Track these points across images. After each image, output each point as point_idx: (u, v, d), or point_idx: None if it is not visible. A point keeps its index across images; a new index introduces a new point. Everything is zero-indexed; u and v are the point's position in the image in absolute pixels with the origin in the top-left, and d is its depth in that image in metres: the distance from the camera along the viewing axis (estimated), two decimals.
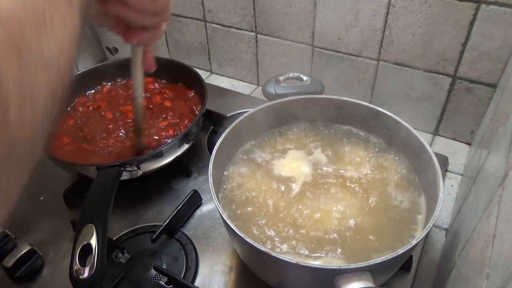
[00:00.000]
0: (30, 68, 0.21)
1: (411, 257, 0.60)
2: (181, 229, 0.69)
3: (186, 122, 0.79)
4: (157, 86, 0.89)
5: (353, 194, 0.59)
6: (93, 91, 0.89)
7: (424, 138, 0.58)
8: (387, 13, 0.76)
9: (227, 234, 0.63)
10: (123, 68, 0.91)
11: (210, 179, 0.55)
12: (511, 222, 0.30)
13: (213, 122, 0.88)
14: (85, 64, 1.10)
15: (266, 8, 0.89)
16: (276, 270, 0.52)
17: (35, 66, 0.21)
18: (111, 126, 0.79)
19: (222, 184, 0.62)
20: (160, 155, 0.70)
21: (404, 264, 0.58)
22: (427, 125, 0.87)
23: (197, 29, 1.03)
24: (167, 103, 0.82)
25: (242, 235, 0.47)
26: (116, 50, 1.05)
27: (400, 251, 0.45)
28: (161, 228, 0.65)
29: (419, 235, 0.47)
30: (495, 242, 0.33)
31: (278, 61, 0.97)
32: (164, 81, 0.91)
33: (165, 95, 0.85)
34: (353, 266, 0.44)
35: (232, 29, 0.98)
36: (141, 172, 0.69)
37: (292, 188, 0.61)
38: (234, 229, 0.48)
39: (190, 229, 0.69)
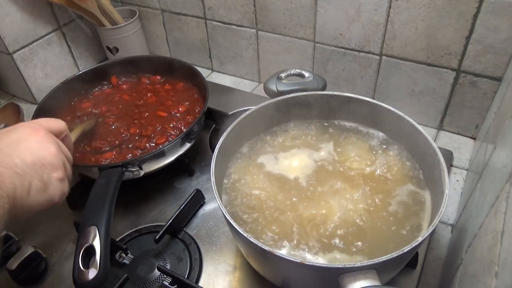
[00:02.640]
0: None
1: (417, 253, 0.59)
2: (184, 228, 0.68)
3: (188, 120, 0.78)
4: (158, 85, 0.89)
5: (358, 190, 0.59)
6: (94, 91, 0.89)
7: (428, 133, 0.57)
8: (389, 7, 0.75)
9: (231, 233, 0.62)
10: (124, 68, 0.91)
11: (213, 178, 0.54)
12: None
13: (215, 120, 0.88)
14: (86, 64, 1.10)
15: (266, 5, 0.88)
16: (280, 269, 0.52)
17: None
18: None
19: (225, 183, 0.62)
20: (162, 154, 0.70)
21: (410, 261, 0.58)
22: (431, 120, 0.86)
23: (198, 27, 1.02)
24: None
25: (245, 235, 0.47)
26: (116, 49, 1.05)
27: (406, 248, 0.44)
28: (164, 228, 0.64)
29: (425, 232, 0.46)
30: (504, 239, 0.32)
31: (279, 58, 0.96)
32: (164, 79, 0.90)
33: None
34: (358, 264, 0.43)
35: (232, 26, 0.97)
36: (143, 172, 0.68)
37: (295, 185, 0.60)
38: (237, 228, 0.48)
39: (193, 228, 0.69)
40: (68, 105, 0.85)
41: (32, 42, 0.96)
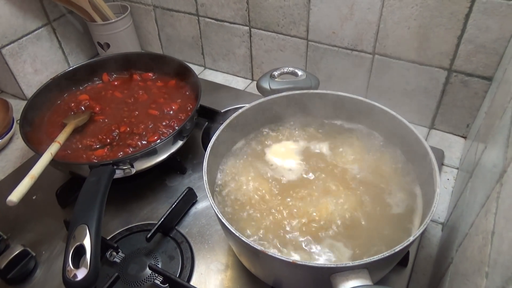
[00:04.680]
0: None
1: (407, 252, 0.60)
2: (176, 227, 0.68)
3: (180, 117, 0.78)
4: (151, 83, 0.88)
5: (349, 189, 0.59)
6: (84, 86, 0.88)
7: (420, 131, 0.58)
8: (382, 6, 0.75)
9: (223, 231, 0.62)
10: (116, 64, 0.90)
11: (205, 177, 0.54)
12: (511, 219, 0.30)
13: (208, 118, 0.88)
14: (76, 60, 1.09)
15: (259, 2, 0.88)
16: (272, 268, 0.52)
17: None
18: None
19: (217, 181, 0.61)
20: (154, 152, 0.69)
21: (401, 259, 0.58)
22: (423, 119, 0.86)
23: (190, 24, 1.01)
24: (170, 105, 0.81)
25: (237, 234, 0.47)
26: (107, 45, 1.04)
27: (397, 248, 0.44)
28: (156, 227, 0.64)
29: (417, 231, 0.46)
30: (494, 239, 0.33)
31: (272, 56, 0.96)
32: (156, 76, 0.89)
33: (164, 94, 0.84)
34: (350, 264, 0.43)
35: (225, 23, 0.96)
36: (134, 170, 0.68)
37: (288, 183, 0.60)
38: (230, 227, 0.47)
39: (185, 227, 0.68)
40: (58, 101, 0.84)
41: (22, 37, 0.94)
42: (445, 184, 0.76)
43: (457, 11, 0.69)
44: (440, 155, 0.80)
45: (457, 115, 0.82)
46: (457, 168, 0.79)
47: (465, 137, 0.84)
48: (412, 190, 0.58)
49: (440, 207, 0.72)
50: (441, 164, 0.79)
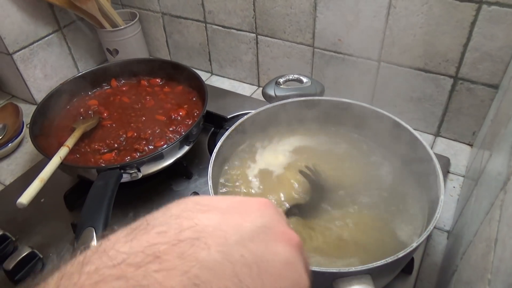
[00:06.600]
0: None
1: (412, 259, 0.59)
2: None
3: (187, 123, 0.79)
4: (159, 89, 0.89)
5: (354, 196, 0.59)
6: (93, 91, 0.89)
7: (425, 139, 0.58)
8: (388, 13, 0.75)
9: None
10: (124, 70, 0.91)
11: (210, 182, 0.55)
12: None
13: (214, 123, 0.88)
14: (85, 66, 1.10)
15: (266, 9, 0.89)
16: None
17: None
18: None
19: (222, 186, 0.62)
20: (160, 157, 0.70)
21: (405, 266, 0.58)
22: (429, 126, 0.86)
23: (198, 31, 1.03)
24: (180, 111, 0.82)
25: None
26: (116, 51, 1.05)
27: (401, 254, 0.44)
28: None
29: (420, 237, 0.46)
30: (497, 247, 0.33)
31: (278, 62, 0.96)
32: (163, 82, 0.91)
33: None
34: (353, 269, 0.43)
35: (232, 30, 0.97)
36: (141, 175, 0.68)
37: (293, 190, 0.61)
38: None
39: None
40: (67, 106, 0.85)
41: (33, 43, 0.96)
42: (451, 192, 0.75)
43: (462, 19, 0.69)
44: (446, 163, 0.79)
45: (463, 122, 0.82)
46: (463, 176, 0.78)
47: (471, 145, 0.84)
48: (417, 197, 0.58)
49: (446, 215, 0.71)
50: (446, 172, 0.79)
